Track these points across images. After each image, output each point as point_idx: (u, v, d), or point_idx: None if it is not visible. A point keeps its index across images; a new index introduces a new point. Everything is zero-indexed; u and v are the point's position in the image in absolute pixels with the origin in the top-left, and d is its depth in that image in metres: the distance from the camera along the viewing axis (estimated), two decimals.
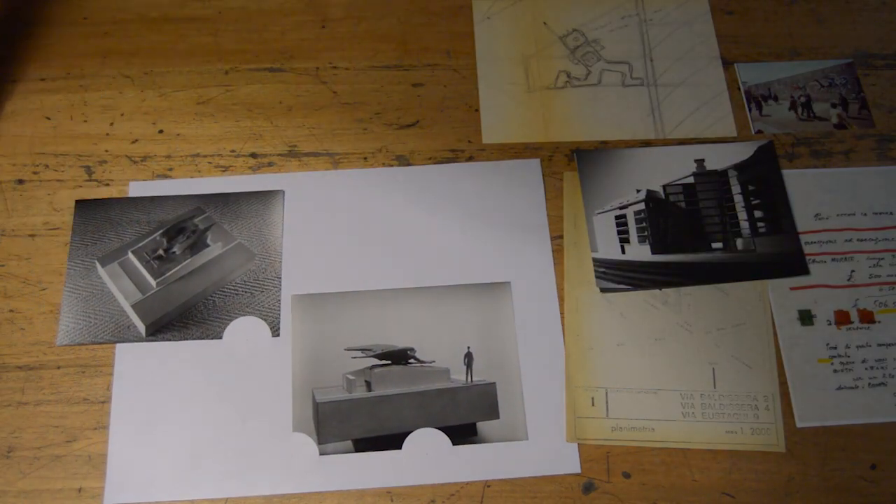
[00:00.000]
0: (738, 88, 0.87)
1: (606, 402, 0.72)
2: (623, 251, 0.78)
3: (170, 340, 0.74)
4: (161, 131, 0.84)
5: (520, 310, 0.75)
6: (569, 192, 0.81)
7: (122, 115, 0.85)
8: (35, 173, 0.82)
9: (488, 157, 0.83)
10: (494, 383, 0.73)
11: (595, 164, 0.82)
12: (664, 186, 0.81)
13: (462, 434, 0.71)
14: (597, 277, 0.77)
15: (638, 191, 0.81)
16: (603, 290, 0.77)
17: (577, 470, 0.69)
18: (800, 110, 0.86)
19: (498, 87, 0.86)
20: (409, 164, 0.82)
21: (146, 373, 0.73)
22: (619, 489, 0.69)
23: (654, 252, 0.78)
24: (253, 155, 0.83)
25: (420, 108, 0.86)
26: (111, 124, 0.84)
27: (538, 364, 0.73)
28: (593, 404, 0.72)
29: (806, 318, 0.76)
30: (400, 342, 0.74)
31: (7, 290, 0.76)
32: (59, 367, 0.73)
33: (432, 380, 0.73)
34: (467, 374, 0.73)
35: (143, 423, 0.71)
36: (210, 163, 0.82)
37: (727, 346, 0.74)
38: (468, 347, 0.74)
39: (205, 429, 0.71)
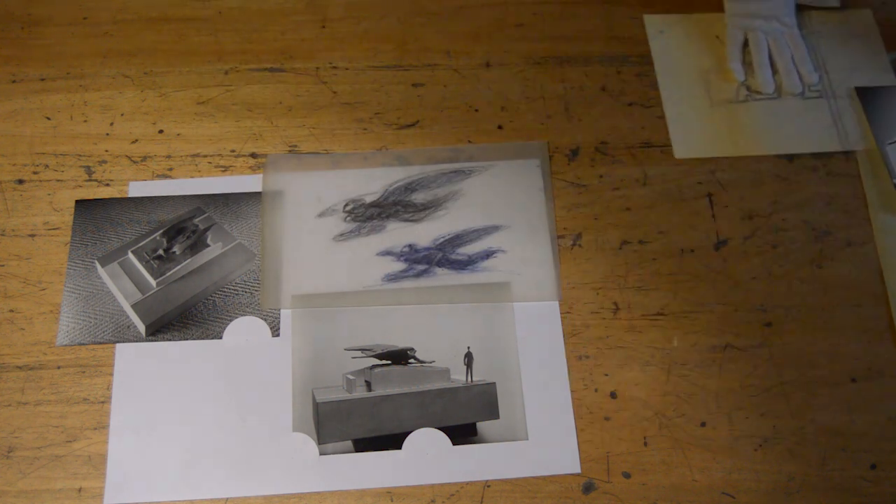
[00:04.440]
0: None
1: None
2: None
3: (170, 340, 0.74)
4: (161, 131, 0.84)
5: (520, 310, 0.75)
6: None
7: (122, 115, 0.85)
8: (35, 173, 0.82)
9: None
10: (494, 383, 0.73)
11: None
12: None
13: (462, 434, 0.71)
14: None
15: None
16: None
17: (577, 470, 0.69)
18: None
19: (681, 100, 0.86)
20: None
21: (146, 373, 0.73)
22: (619, 489, 0.69)
23: None
24: (253, 155, 0.83)
25: (420, 108, 0.86)
26: (111, 124, 0.84)
27: (538, 364, 0.73)
28: None
29: None
30: (400, 342, 0.74)
31: (7, 290, 0.76)
32: (59, 367, 0.73)
33: (432, 380, 0.73)
34: (467, 374, 0.73)
35: (143, 423, 0.71)
36: (210, 163, 0.82)
37: None
38: (468, 347, 0.74)
39: (205, 429, 0.71)
